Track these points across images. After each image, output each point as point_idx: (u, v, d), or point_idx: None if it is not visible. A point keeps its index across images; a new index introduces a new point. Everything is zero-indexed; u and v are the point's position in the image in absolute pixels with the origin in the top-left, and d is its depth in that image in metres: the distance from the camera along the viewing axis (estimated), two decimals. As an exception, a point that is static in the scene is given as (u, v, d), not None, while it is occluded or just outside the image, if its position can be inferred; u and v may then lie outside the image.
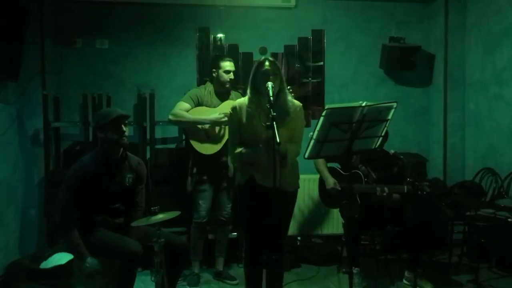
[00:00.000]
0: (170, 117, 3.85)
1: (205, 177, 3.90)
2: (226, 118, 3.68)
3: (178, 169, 4.47)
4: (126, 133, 3.06)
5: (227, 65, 3.89)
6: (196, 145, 3.84)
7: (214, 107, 3.88)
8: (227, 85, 3.91)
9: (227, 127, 3.76)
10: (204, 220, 3.93)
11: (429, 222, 4.32)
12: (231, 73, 3.90)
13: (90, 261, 2.90)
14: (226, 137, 3.77)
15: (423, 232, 3.83)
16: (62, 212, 2.95)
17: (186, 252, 3.30)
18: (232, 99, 3.91)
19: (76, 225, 2.95)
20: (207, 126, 3.82)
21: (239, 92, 4.10)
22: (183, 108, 3.82)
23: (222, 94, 3.94)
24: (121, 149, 3.10)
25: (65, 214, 2.95)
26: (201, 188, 3.90)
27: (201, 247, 4.03)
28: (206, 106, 3.88)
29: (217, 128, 3.86)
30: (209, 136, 3.84)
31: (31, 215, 4.39)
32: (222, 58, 3.95)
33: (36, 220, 4.44)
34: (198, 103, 3.87)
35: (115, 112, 3.04)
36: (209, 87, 3.96)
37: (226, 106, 3.83)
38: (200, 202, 3.91)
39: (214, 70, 3.92)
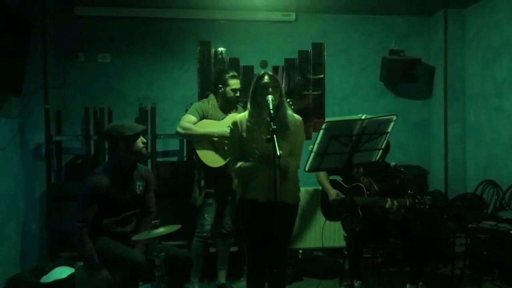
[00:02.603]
0: (179, 130, 3.79)
1: (212, 190, 3.87)
2: None
3: (179, 182, 4.48)
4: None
5: (235, 83, 3.86)
6: (204, 158, 3.81)
7: (219, 120, 3.86)
8: (232, 102, 3.91)
9: None
10: (208, 235, 3.90)
11: (431, 234, 4.30)
12: (238, 91, 3.88)
13: (103, 273, 2.95)
14: None
15: (425, 245, 3.81)
16: (78, 223, 3.00)
17: (189, 265, 3.29)
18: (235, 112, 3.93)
19: (90, 235, 3.03)
20: (215, 139, 3.80)
21: (241, 106, 4.11)
22: (190, 121, 3.79)
23: (226, 108, 3.92)
24: (134, 160, 3.22)
25: (80, 226, 3.00)
26: (208, 201, 3.87)
27: (202, 262, 3.97)
28: (211, 119, 3.86)
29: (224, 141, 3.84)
30: (217, 149, 3.81)
31: (32, 229, 4.38)
32: (229, 74, 3.88)
33: (37, 234, 4.43)
34: (203, 116, 3.84)
35: (139, 126, 3.28)
36: (212, 100, 3.92)
37: (231, 119, 3.85)
38: (206, 216, 3.87)
39: (220, 86, 3.87)
